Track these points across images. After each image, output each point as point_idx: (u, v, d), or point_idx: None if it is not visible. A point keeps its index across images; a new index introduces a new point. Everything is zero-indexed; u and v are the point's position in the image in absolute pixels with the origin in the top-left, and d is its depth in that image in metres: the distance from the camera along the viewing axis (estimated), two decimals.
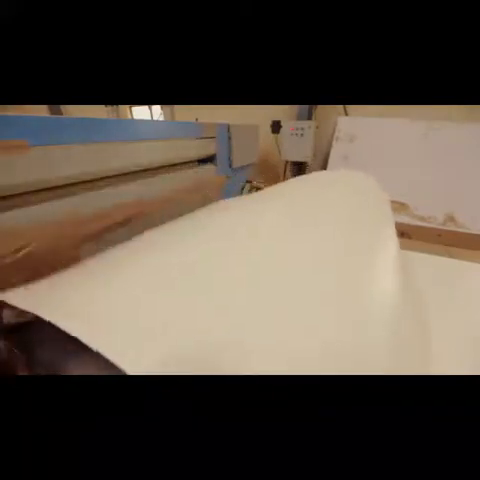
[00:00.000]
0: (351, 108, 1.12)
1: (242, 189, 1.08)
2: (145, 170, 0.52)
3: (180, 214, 0.55)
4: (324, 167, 1.16)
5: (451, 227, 0.87)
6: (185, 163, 0.63)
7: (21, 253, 0.31)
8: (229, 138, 0.71)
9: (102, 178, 0.44)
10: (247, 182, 1.11)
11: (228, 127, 0.70)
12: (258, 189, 1.15)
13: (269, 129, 1.14)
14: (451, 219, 0.88)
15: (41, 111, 1.60)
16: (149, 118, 1.53)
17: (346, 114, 1.13)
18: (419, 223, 0.91)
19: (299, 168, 1.20)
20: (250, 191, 1.14)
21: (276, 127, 1.14)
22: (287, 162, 1.22)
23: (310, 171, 1.24)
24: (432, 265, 0.54)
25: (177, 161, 0.59)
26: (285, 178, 1.28)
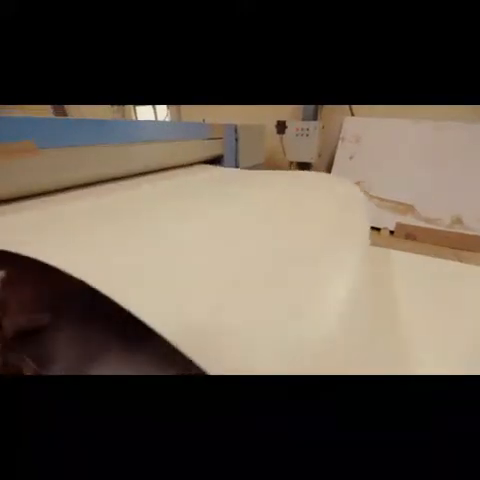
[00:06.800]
0: (357, 108, 1.11)
1: None
2: (154, 171, 0.52)
3: None
4: (329, 168, 1.16)
5: (458, 229, 0.86)
6: (193, 164, 0.63)
7: None
8: (236, 139, 0.70)
9: (111, 179, 0.44)
10: None
11: (235, 128, 0.69)
12: None
13: (274, 129, 1.14)
14: (458, 221, 0.87)
15: (44, 110, 1.60)
16: (153, 117, 1.53)
17: (352, 114, 1.12)
18: (425, 225, 0.91)
19: (304, 169, 1.19)
20: None
21: (281, 127, 1.13)
22: (292, 163, 1.22)
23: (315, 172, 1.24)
24: (432, 267, 0.55)
25: (185, 162, 0.59)
26: None
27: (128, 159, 0.44)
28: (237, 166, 0.75)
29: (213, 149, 0.66)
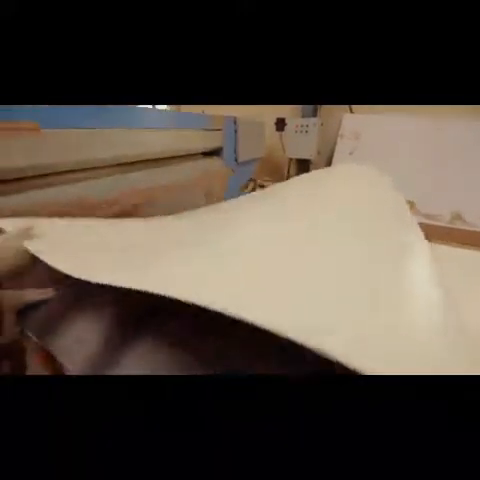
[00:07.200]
0: (356, 105, 1.11)
1: (246, 187, 1.07)
2: (153, 159, 0.52)
3: (185, 204, 0.54)
4: (328, 165, 1.16)
5: (458, 225, 0.86)
6: (191, 154, 0.63)
7: None
8: (236, 131, 0.70)
9: (111, 164, 0.44)
10: (251, 180, 1.10)
11: (235, 120, 0.69)
12: (262, 187, 1.15)
13: (274, 126, 1.13)
14: (458, 217, 0.88)
15: None
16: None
17: (351, 111, 1.12)
18: (426, 221, 0.91)
19: (303, 166, 1.19)
20: (253, 189, 1.14)
21: (281, 125, 1.13)
22: (291, 159, 1.22)
23: (314, 169, 1.23)
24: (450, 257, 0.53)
25: (184, 152, 0.59)
26: (289, 176, 1.27)
27: (125, 144, 0.44)
28: (236, 159, 0.74)
29: (212, 141, 0.65)
